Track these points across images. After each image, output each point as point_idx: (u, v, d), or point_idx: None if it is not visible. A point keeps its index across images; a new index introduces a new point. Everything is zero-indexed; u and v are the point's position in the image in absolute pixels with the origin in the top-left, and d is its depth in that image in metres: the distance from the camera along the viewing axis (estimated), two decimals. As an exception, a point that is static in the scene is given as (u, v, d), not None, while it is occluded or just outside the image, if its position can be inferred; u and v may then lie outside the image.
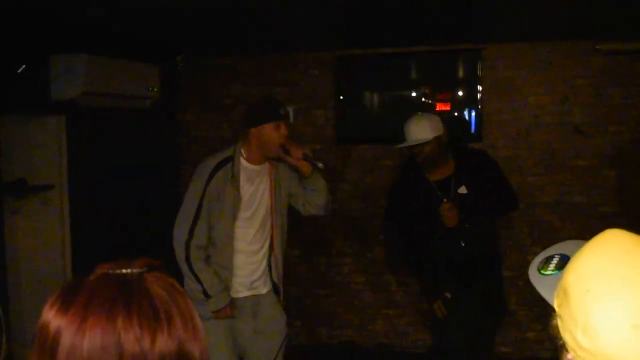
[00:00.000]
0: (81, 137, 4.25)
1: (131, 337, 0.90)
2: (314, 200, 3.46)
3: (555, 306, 1.03)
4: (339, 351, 5.54)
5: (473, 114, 5.32)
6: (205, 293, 3.29)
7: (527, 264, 4.40)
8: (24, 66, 3.75)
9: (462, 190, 3.78)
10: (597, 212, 5.09)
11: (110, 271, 0.98)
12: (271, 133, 3.29)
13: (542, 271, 1.14)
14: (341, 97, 5.45)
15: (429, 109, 5.39)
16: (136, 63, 4.64)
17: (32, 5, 3.38)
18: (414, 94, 5.50)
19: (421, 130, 3.72)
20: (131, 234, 4.69)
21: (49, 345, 0.91)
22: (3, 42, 3.62)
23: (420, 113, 3.91)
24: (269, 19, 4.03)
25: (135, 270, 0.98)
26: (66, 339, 0.90)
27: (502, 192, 3.86)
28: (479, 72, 5.22)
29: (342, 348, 5.55)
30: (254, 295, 3.50)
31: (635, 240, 1.00)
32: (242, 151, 3.38)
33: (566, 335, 0.99)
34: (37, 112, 4.03)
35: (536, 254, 4.52)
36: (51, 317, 0.93)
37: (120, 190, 4.73)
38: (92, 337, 0.90)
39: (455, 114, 5.41)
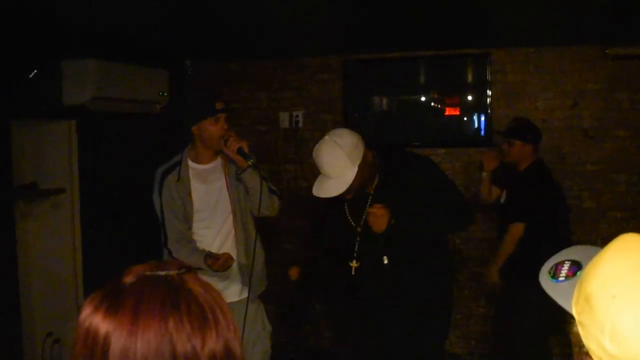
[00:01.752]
0: (92, 141, 4.27)
1: (183, 337, 0.92)
2: (252, 198, 3.34)
3: (575, 314, 1.03)
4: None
5: (482, 118, 5.32)
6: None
7: (535, 270, 4.27)
8: (35, 71, 3.78)
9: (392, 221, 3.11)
10: (607, 217, 5.08)
11: (150, 273, 0.99)
12: (211, 128, 3.30)
13: (553, 278, 1.13)
14: (349, 102, 5.46)
15: (437, 114, 5.40)
16: (146, 68, 4.66)
17: (43, 11, 3.41)
18: (422, 99, 5.51)
19: (339, 168, 3.02)
20: (141, 237, 4.71)
21: (100, 350, 0.92)
22: (15, 48, 3.66)
23: (328, 139, 3.07)
24: (277, 23, 4.04)
25: (175, 272, 1.00)
26: (117, 342, 0.91)
27: (441, 208, 3.12)
28: (488, 77, 5.22)
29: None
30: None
31: None
32: (189, 154, 3.43)
33: (590, 343, 0.98)
34: (48, 117, 4.06)
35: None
36: (99, 321, 0.93)
37: (130, 194, 4.76)
38: (145, 339, 0.91)
39: (465, 118, 5.41)
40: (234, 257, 3.37)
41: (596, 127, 5.08)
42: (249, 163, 3.24)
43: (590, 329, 0.98)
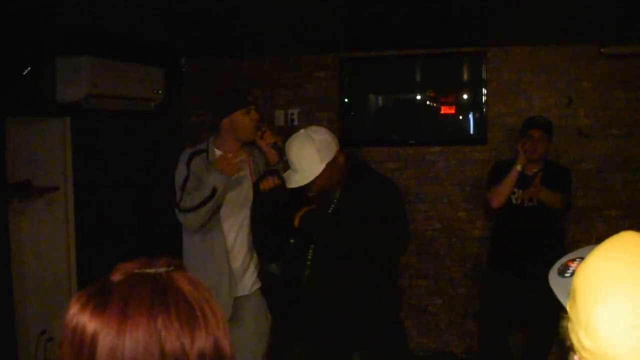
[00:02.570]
0: (86, 139, 4.26)
1: (172, 336, 0.91)
2: None
3: (567, 308, 1.03)
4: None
5: (478, 117, 5.31)
6: (207, 199, 3.26)
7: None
8: (29, 68, 3.76)
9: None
10: (601, 215, 5.09)
11: (138, 271, 0.98)
12: (243, 119, 3.39)
13: (560, 274, 1.13)
14: (345, 100, 5.46)
15: (433, 112, 5.40)
16: (141, 65, 4.65)
17: (38, 7, 3.40)
18: (418, 97, 5.50)
19: (306, 161, 3.02)
20: (135, 235, 4.70)
21: (87, 348, 0.91)
22: (8, 44, 3.64)
23: (302, 132, 3.10)
24: (273, 21, 4.03)
25: (164, 269, 0.99)
26: (105, 341, 0.91)
27: (381, 232, 3.03)
28: (484, 75, 5.22)
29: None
30: (237, 297, 3.47)
31: None
32: (215, 144, 3.48)
33: (573, 336, 1.00)
34: (42, 114, 4.04)
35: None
36: (86, 320, 0.92)
37: (125, 192, 4.75)
38: (134, 338, 0.90)
39: (460, 117, 5.41)
40: (247, 248, 3.49)
41: (591, 125, 5.09)
42: (283, 159, 3.30)
43: (574, 323, 0.99)
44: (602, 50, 4.94)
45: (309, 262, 3.15)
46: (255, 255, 3.56)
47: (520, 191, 4.24)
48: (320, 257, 3.14)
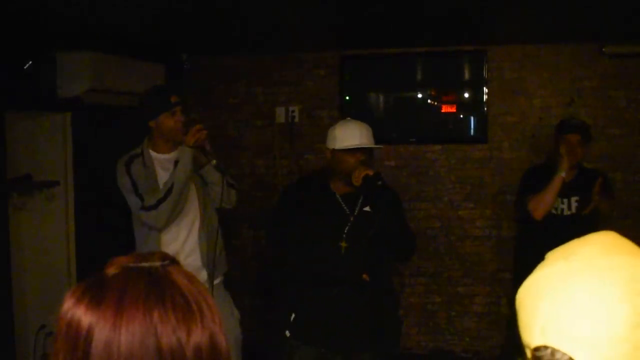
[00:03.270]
0: (86, 134, 4.26)
1: (168, 330, 0.91)
2: (211, 192, 3.49)
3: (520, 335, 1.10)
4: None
5: (478, 115, 5.31)
6: (181, 173, 3.26)
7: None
8: (30, 63, 3.76)
9: (367, 208, 3.32)
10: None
11: (133, 264, 0.98)
12: (168, 122, 3.33)
13: None
14: (346, 98, 5.45)
15: (434, 111, 5.40)
16: (142, 61, 4.64)
17: (39, 2, 3.39)
18: (419, 95, 5.50)
19: (371, 135, 3.39)
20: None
21: (82, 342, 0.91)
22: (10, 39, 3.64)
23: (355, 120, 3.44)
24: (274, 19, 4.03)
25: (159, 263, 0.98)
26: (101, 335, 0.90)
27: (405, 235, 3.36)
28: (485, 74, 5.21)
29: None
30: None
31: (616, 243, 1.02)
32: (149, 145, 3.44)
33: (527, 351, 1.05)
34: (43, 109, 4.04)
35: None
36: (81, 314, 0.92)
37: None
38: (129, 332, 0.90)
39: (461, 115, 5.41)
40: (199, 247, 3.42)
41: (592, 125, 5.07)
42: (213, 163, 3.33)
43: (523, 335, 1.03)
44: (603, 49, 4.94)
45: (344, 236, 3.27)
46: (208, 250, 3.44)
47: (559, 199, 3.96)
48: (356, 232, 3.29)
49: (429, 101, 5.47)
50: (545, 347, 0.95)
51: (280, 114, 5.52)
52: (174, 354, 0.91)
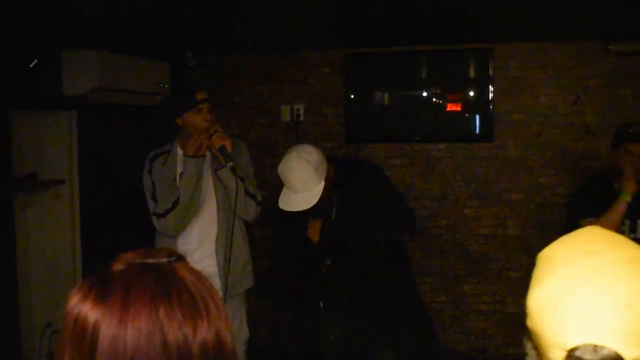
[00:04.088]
0: (92, 132, 4.26)
1: (174, 326, 0.91)
2: (231, 199, 3.35)
3: None
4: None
5: (484, 114, 5.29)
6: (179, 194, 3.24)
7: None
8: (35, 61, 3.76)
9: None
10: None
11: (140, 261, 0.98)
12: (194, 120, 3.29)
13: None
14: (351, 96, 5.45)
15: (439, 109, 5.38)
16: (147, 60, 4.65)
17: (44, 0, 3.39)
18: (424, 94, 5.48)
19: (307, 184, 3.18)
20: (140, 228, 4.70)
21: (89, 338, 0.91)
22: (15, 38, 3.64)
23: (295, 155, 3.19)
24: (279, 16, 4.02)
25: (166, 260, 0.98)
26: (107, 331, 0.90)
27: (387, 215, 3.31)
28: (491, 72, 5.20)
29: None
30: None
31: (597, 236, 1.07)
32: (179, 142, 3.41)
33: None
34: (48, 108, 4.04)
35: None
36: (87, 310, 0.92)
37: (130, 186, 4.75)
38: (136, 328, 0.90)
39: (466, 114, 5.39)
40: (215, 254, 3.35)
41: (598, 123, 5.07)
42: (228, 165, 3.22)
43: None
44: (609, 47, 4.91)
45: (328, 264, 3.41)
46: (223, 260, 3.36)
47: (628, 221, 3.39)
48: (336, 258, 3.41)
49: (434, 99, 5.45)
50: (586, 345, 0.95)
51: (285, 112, 5.52)
52: (180, 349, 0.90)
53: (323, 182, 3.17)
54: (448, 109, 5.37)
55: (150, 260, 0.98)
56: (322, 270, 3.47)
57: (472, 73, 5.44)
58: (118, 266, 0.97)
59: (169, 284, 0.94)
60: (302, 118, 5.50)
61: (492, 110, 5.22)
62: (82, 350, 0.91)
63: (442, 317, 5.38)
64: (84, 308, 0.92)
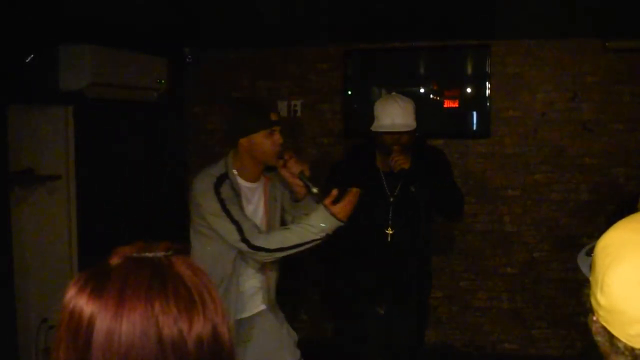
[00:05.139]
0: (89, 128, 4.25)
1: (170, 320, 0.91)
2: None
3: (590, 278, 1.13)
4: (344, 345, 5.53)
5: (481, 110, 5.29)
6: (311, 241, 2.88)
7: (532, 262, 4.49)
8: (32, 56, 3.75)
9: (412, 189, 3.43)
10: (605, 210, 5.07)
11: (137, 255, 0.97)
12: (264, 142, 2.92)
13: (587, 254, 1.22)
14: (349, 92, 5.44)
15: (436, 105, 5.38)
16: (144, 55, 4.64)
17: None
18: (422, 90, 5.48)
19: (408, 115, 3.39)
20: (137, 225, 4.70)
21: (84, 332, 0.91)
22: (11, 32, 3.63)
23: (396, 94, 3.47)
24: (277, 12, 4.02)
25: (163, 254, 0.98)
26: (102, 324, 0.90)
27: (453, 197, 3.57)
28: (488, 69, 5.20)
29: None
30: (244, 318, 3.16)
31: None
32: (235, 167, 3.02)
33: (592, 299, 1.09)
34: (45, 103, 4.03)
35: (542, 251, 4.60)
36: (83, 303, 0.92)
37: (127, 182, 4.74)
38: (130, 322, 0.90)
39: (464, 110, 5.39)
40: (260, 271, 3.13)
41: (595, 120, 5.07)
42: (314, 191, 2.93)
43: (592, 286, 1.09)
44: (606, 44, 4.92)
45: (390, 222, 3.49)
46: (270, 275, 3.22)
47: None
48: (399, 231, 3.52)
49: (431, 96, 5.45)
50: None
51: (282, 107, 5.51)
52: (175, 344, 0.90)
53: (416, 126, 3.39)
54: (445, 105, 5.37)
55: (148, 254, 0.97)
56: (386, 239, 3.51)
57: (469, 70, 5.44)
58: (115, 260, 0.97)
59: (165, 278, 0.94)
60: (299, 114, 5.49)
61: (489, 106, 5.22)
62: (77, 343, 0.91)
63: (439, 313, 5.39)
64: (79, 302, 0.92)
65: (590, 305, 1.10)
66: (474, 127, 5.35)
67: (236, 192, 2.97)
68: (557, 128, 5.13)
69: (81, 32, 4.07)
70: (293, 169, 2.96)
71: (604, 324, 1.05)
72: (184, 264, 0.98)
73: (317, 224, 2.86)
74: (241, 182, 3.01)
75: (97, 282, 0.93)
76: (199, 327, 0.93)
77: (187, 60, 5.58)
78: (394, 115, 3.37)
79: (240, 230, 2.88)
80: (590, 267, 1.13)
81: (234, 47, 5.51)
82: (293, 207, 3.16)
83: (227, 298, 2.99)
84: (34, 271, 4.10)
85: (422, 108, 5.41)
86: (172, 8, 3.87)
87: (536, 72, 5.15)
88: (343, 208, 2.87)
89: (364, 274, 3.62)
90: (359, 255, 3.52)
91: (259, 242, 2.87)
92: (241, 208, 2.96)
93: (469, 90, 5.41)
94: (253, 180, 3.06)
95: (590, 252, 1.20)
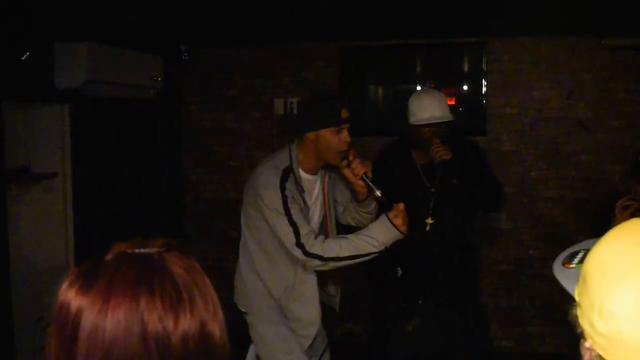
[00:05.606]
0: (85, 125, 4.25)
1: (154, 317, 0.91)
2: (362, 221, 3.11)
3: (576, 295, 1.02)
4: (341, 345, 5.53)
5: (477, 108, 5.30)
6: (367, 254, 2.81)
7: (528, 259, 4.49)
8: (27, 54, 3.74)
9: (453, 181, 3.43)
10: (600, 208, 5.08)
11: (129, 251, 0.98)
12: (331, 139, 2.86)
13: (566, 266, 1.13)
14: (345, 89, 5.44)
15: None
16: (140, 52, 4.63)
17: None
18: (418, 88, 5.48)
19: (445, 107, 3.45)
20: (134, 222, 4.70)
21: (70, 326, 0.91)
22: (8, 29, 3.62)
23: (429, 89, 3.58)
24: (273, 9, 4.01)
25: (155, 250, 0.98)
26: (88, 319, 0.90)
27: (493, 188, 3.60)
28: (484, 66, 5.20)
29: (343, 341, 5.55)
30: None
31: None
32: (299, 159, 2.94)
33: (584, 323, 0.97)
34: (40, 100, 4.02)
35: (538, 248, 4.60)
36: (72, 297, 0.93)
37: (123, 179, 4.74)
38: (115, 318, 0.90)
39: (460, 108, 5.39)
40: (315, 289, 3.01)
41: (591, 117, 5.08)
42: (377, 194, 2.90)
43: (585, 309, 0.97)
44: (602, 42, 4.92)
45: (430, 212, 3.51)
46: (333, 292, 3.20)
47: None
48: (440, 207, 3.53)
49: (427, 93, 5.45)
50: None
51: (279, 105, 5.51)
52: (159, 341, 0.90)
53: (452, 118, 3.44)
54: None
55: (140, 251, 0.98)
56: (425, 229, 3.51)
57: (465, 67, 5.45)
58: (109, 255, 0.97)
59: (153, 275, 0.94)
60: (295, 111, 5.49)
61: (485, 104, 5.23)
62: (64, 337, 0.92)
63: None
64: (69, 295, 0.93)
65: (582, 329, 0.98)
66: (471, 125, 5.35)
67: (299, 187, 2.92)
68: (553, 125, 5.14)
69: (77, 29, 4.06)
70: (356, 170, 2.91)
71: (601, 352, 0.94)
72: (177, 261, 0.98)
73: (378, 236, 2.81)
74: (303, 174, 2.96)
75: (87, 277, 0.94)
76: (186, 324, 0.92)
77: (184, 57, 5.57)
78: (432, 107, 3.42)
79: (297, 233, 2.80)
80: (577, 281, 1.02)
81: (230, 44, 5.51)
82: (354, 206, 3.11)
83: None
84: (30, 269, 4.10)
85: (422, 87, 5.45)
86: (168, 5, 3.86)
87: (532, 69, 5.16)
88: (404, 220, 2.85)
89: (405, 268, 3.62)
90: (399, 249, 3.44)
91: (314, 249, 2.79)
92: (302, 207, 2.90)
93: (465, 87, 5.42)
94: (313, 172, 3.01)
95: (569, 262, 1.12)
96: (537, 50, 5.13)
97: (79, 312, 0.91)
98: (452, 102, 5.36)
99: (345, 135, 2.86)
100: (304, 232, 2.80)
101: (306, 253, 2.79)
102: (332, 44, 5.39)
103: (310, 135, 2.89)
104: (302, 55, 5.48)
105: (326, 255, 2.79)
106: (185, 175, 5.73)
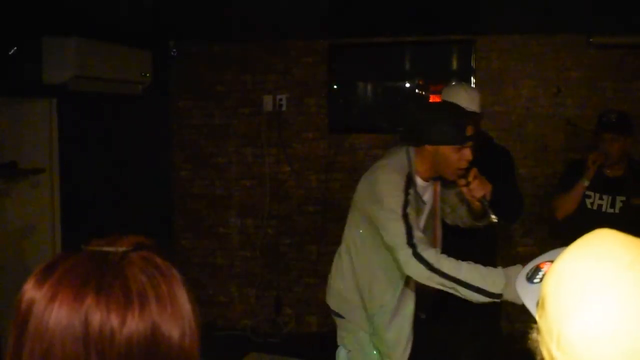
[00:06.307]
0: (72, 121, 4.23)
1: (97, 317, 0.89)
2: (467, 224, 3.06)
3: (537, 318, 0.91)
4: (328, 340, 5.54)
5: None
6: (477, 290, 2.48)
7: (517, 256, 4.50)
8: (14, 48, 3.72)
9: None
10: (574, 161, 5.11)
11: (95, 248, 0.97)
12: (451, 156, 2.74)
13: (529, 280, 1.01)
14: (334, 86, 5.44)
15: (422, 100, 5.40)
16: (129, 48, 4.61)
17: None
18: (407, 85, 5.50)
19: (477, 100, 3.49)
20: (121, 218, 4.68)
21: (22, 318, 0.91)
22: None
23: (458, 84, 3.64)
24: (263, 5, 4.00)
25: (119, 249, 0.97)
26: (37, 313, 0.90)
27: (511, 200, 3.44)
28: (473, 64, 5.22)
29: (332, 337, 5.55)
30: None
31: (623, 242, 0.88)
32: (416, 166, 2.84)
33: (543, 349, 0.88)
34: (28, 96, 4.00)
35: (526, 246, 4.60)
36: (28, 289, 0.93)
37: (111, 175, 4.72)
38: (58, 314, 0.89)
39: (448, 105, 5.40)
40: (411, 312, 2.95)
41: (579, 115, 5.11)
42: (492, 219, 2.75)
43: (544, 335, 0.87)
44: (590, 40, 4.95)
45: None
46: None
47: (597, 195, 3.78)
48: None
49: (416, 90, 5.46)
50: None
51: (267, 102, 5.50)
52: (101, 340, 0.89)
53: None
54: (431, 100, 5.39)
55: (104, 248, 0.97)
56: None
57: (454, 65, 5.46)
58: (78, 252, 0.97)
59: (104, 274, 0.92)
60: (284, 108, 5.49)
61: (474, 101, 5.23)
62: (16, 328, 0.92)
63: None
64: (26, 287, 0.93)
65: (542, 356, 0.88)
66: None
67: (417, 194, 2.83)
68: (541, 123, 5.17)
69: (65, 24, 4.04)
70: (475, 192, 2.77)
71: None
72: (139, 261, 0.96)
73: (500, 284, 2.45)
74: (419, 181, 2.87)
75: (47, 270, 0.94)
76: (132, 326, 0.91)
77: (172, 53, 5.56)
78: (468, 98, 3.46)
79: (410, 235, 2.63)
80: (537, 301, 0.91)
81: (219, 40, 5.49)
82: (464, 210, 3.02)
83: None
84: (16, 264, 4.07)
85: (408, 102, 5.47)
86: (156, 1, 3.84)
87: (520, 67, 5.18)
88: (476, 189, 2.77)
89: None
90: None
91: (426, 254, 2.58)
92: (417, 215, 2.80)
93: (453, 84, 5.42)
94: (426, 180, 2.91)
95: (532, 277, 1.01)
96: (526, 48, 5.15)
97: (31, 305, 0.91)
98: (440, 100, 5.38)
99: (467, 153, 2.73)
100: (417, 235, 2.65)
101: (416, 254, 2.59)
102: (322, 41, 5.39)
103: (430, 148, 2.76)
104: (291, 52, 5.47)
105: (435, 266, 2.55)
106: (174, 172, 5.71)
